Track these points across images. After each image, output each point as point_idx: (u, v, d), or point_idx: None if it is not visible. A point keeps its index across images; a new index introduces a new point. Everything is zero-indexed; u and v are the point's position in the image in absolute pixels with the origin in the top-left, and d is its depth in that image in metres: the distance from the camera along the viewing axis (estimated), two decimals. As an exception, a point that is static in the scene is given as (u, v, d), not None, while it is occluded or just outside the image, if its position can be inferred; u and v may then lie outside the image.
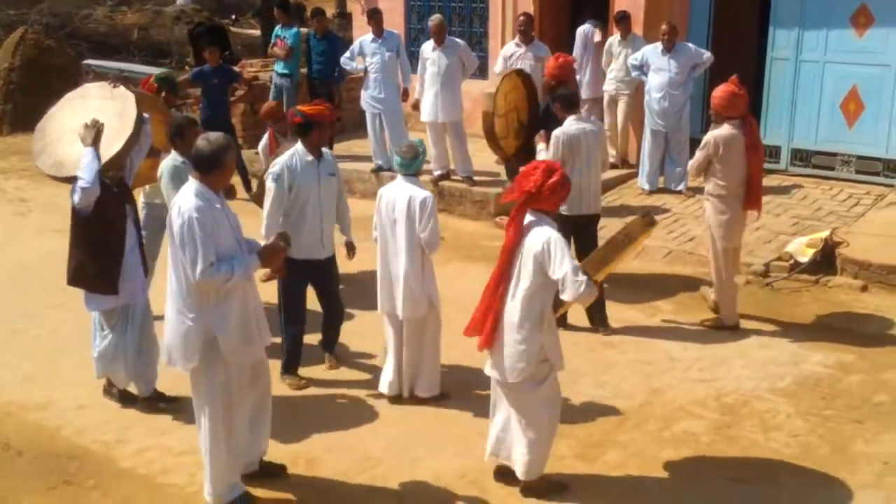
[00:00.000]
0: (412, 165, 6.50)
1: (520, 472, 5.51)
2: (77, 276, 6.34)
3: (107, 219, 6.21)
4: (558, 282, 5.09)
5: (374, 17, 11.64)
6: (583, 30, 12.14)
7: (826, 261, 8.87)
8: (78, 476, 5.90)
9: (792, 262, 8.88)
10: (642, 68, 10.99)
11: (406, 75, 11.76)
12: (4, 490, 5.76)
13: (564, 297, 5.12)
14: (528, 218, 5.26)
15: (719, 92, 7.72)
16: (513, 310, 5.27)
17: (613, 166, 11.83)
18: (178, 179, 6.79)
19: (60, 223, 7.73)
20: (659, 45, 10.80)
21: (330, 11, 23.79)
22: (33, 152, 6.33)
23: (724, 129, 7.63)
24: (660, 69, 10.80)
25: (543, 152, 7.66)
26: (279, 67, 12.61)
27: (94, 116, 6.11)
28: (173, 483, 5.82)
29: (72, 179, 6.04)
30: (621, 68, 11.49)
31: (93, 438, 6.34)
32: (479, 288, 5.48)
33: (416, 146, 6.57)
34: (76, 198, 6.02)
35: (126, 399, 6.77)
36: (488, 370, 5.51)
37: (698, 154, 7.77)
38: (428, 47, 11.07)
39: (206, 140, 5.19)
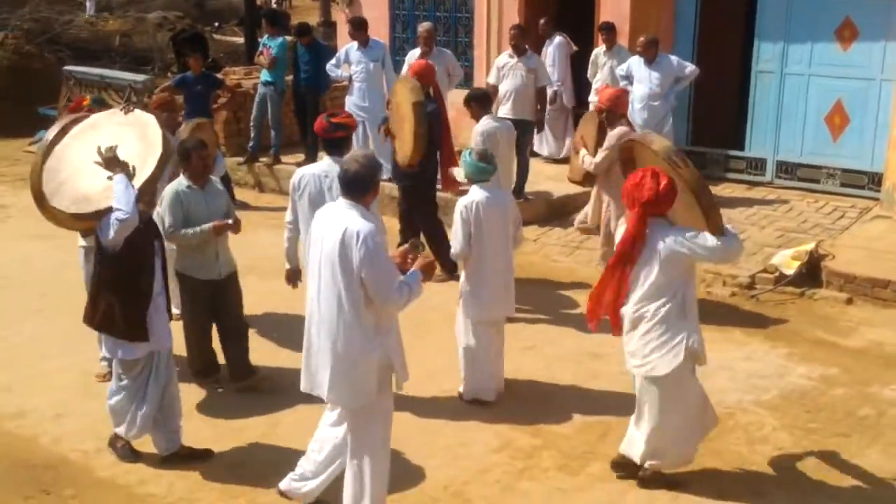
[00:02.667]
0: (486, 171, 6.66)
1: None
2: (105, 322, 5.73)
3: (136, 257, 5.68)
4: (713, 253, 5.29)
5: (359, 26, 11.60)
6: (559, 42, 12.14)
7: (811, 274, 8.87)
8: (56, 486, 5.81)
9: (777, 274, 8.88)
10: (629, 78, 10.99)
11: (391, 84, 11.69)
12: (-21, 500, 5.67)
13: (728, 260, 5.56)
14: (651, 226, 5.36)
15: (610, 92, 8.08)
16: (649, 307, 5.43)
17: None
18: (177, 206, 6.59)
19: (39, 229, 7.62)
20: (639, 58, 10.82)
21: (315, 20, 23.79)
22: (46, 194, 5.64)
23: (622, 129, 7.80)
24: (641, 80, 10.81)
25: (587, 157, 7.98)
26: (264, 76, 12.54)
27: (112, 145, 5.61)
28: (152, 493, 5.74)
29: (99, 214, 5.51)
30: (606, 79, 11.47)
31: (71, 448, 6.24)
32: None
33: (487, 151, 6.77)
34: (111, 232, 5.45)
35: (133, 456, 6.10)
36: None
37: (606, 152, 7.82)
38: (413, 56, 11.05)
39: (357, 161, 4.94)
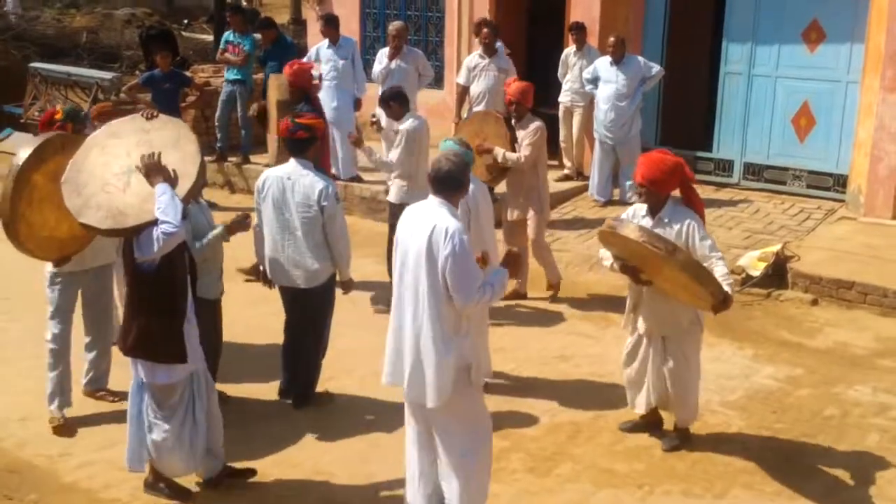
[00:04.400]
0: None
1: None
2: (141, 345, 5.30)
3: (172, 273, 5.29)
4: None
5: (331, 23, 11.55)
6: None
7: (777, 275, 8.95)
8: (19, 490, 5.74)
9: (744, 275, 8.94)
10: (595, 81, 11.03)
11: (360, 84, 11.69)
12: (-59, 505, 5.59)
13: None
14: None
15: (519, 85, 8.31)
16: None
17: (568, 178, 11.87)
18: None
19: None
20: (608, 57, 10.86)
21: (285, 18, 23.67)
22: (72, 210, 5.18)
23: (539, 124, 8.19)
24: (608, 81, 10.87)
25: (507, 154, 8.15)
26: (231, 74, 12.42)
27: (138, 153, 5.24)
28: (116, 498, 5.69)
29: (136, 230, 5.09)
30: (576, 80, 11.51)
31: (35, 452, 6.17)
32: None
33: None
34: (156, 247, 5.03)
35: (182, 495, 5.67)
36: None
37: (529, 149, 8.13)
38: (383, 54, 11.03)
39: (449, 159, 4.92)
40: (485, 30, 11.11)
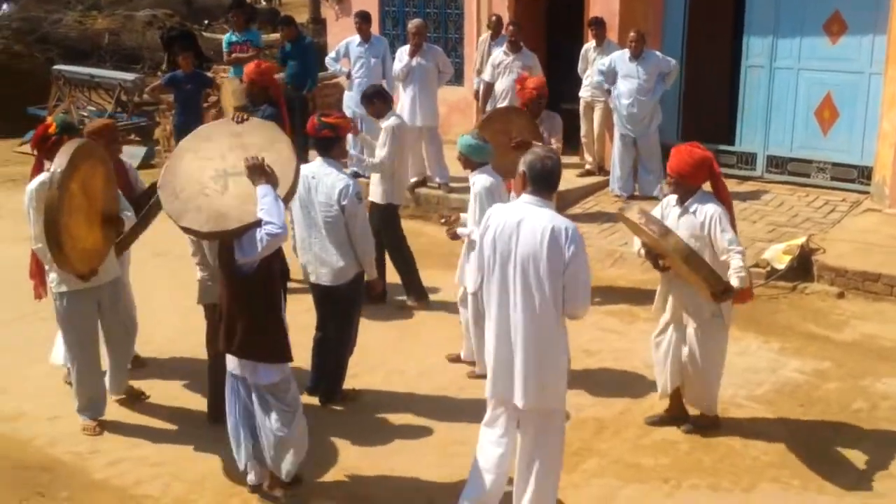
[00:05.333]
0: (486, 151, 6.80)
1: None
2: (248, 347, 5.31)
3: (271, 274, 5.33)
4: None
5: (359, 19, 11.56)
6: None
7: (802, 268, 8.89)
8: (50, 488, 5.79)
9: (768, 269, 8.90)
10: (608, 74, 10.99)
11: (390, 81, 11.70)
12: (-26, 503, 5.66)
13: None
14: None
15: (538, 80, 8.47)
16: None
17: (590, 173, 11.86)
18: None
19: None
20: (626, 52, 10.83)
21: (304, 17, 23.71)
22: (172, 214, 5.16)
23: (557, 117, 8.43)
24: (628, 75, 10.83)
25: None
26: (240, 73, 12.35)
27: (233, 156, 5.26)
28: (147, 494, 5.73)
29: (237, 232, 5.06)
30: (596, 75, 11.48)
31: (65, 450, 6.23)
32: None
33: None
34: (260, 248, 5.01)
35: (298, 498, 5.65)
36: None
37: (559, 143, 8.31)
38: (403, 52, 11.06)
39: (550, 157, 4.83)
40: (510, 27, 11.12)
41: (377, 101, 8.17)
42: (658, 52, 10.98)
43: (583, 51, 11.73)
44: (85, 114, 14.45)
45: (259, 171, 5.10)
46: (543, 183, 4.82)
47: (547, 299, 4.73)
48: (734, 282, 5.74)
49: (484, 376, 6.95)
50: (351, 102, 11.52)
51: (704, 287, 5.70)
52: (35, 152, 6.29)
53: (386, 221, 8.36)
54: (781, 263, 8.87)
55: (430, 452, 6.14)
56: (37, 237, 5.98)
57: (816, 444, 6.18)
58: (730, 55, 12.29)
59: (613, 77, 10.97)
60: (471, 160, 6.88)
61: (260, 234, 4.97)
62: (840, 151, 11.03)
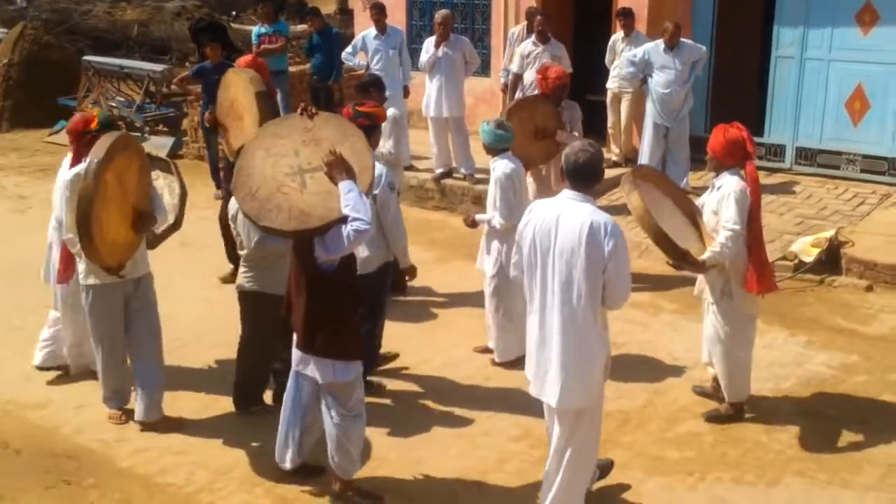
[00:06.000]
0: (507, 139, 6.85)
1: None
2: (330, 345, 5.21)
3: (350, 272, 5.28)
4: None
5: (377, 12, 11.60)
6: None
7: (831, 261, 8.81)
8: (77, 475, 5.85)
9: (796, 261, 8.83)
10: (640, 65, 10.84)
11: (407, 72, 11.76)
12: (3, 489, 5.70)
13: None
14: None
15: (560, 69, 8.42)
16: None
17: (617, 164, 11.79)
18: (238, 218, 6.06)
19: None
20: (661, 43, 10.70)
21: (331, 8, 23.74)
22: (250, 214, 5.03)
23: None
24: (665, 67, 10.69)
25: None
26: (268, 64, 12.37)
27: (307, 151, 5.14)
28: (172, 482, 5.77)
29: (321, 230, 4.95)
30: (624, 66, 11.41)
31: (91, 437, 6.28)
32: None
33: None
34: (346, 245, 4.92)
35: (377, 499, 5.58)
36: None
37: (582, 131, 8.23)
38: (430, 43, 11.06)
39: (586, 150, 4.78)
40: (539, 17, 11.07)
41: (374, 90, 7.91)
42: (689, 41, 10.87)
43: (611, 42, 11.66)
44: (113, 104, 14.55)
45: (339, 167, 4.97)
46: (580, 177, 4.79)
47: (585, 295, 4.71)
48: (706, 254, 5.88)
49: (503, 364, 7.03)
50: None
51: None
52: (72, 144, 6.23)
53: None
54: (809, 256, 8.80)
55: (454, 444, 6.14)
56: (68, 227, 6.00)
57: (842, 438, 6.13)
58: (759, 46, 12.18)
59: (644, 68, 10.84)
60: (490, 148, 6.94)
61: (346, 230, 4.85)
62: (870, 143, 10.91)
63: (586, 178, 4.80)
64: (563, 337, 4.80)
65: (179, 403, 6.57)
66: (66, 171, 6.16)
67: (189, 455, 6.04)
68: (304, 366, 5.33)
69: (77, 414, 6.59)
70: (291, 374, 5.48)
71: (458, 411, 6.57)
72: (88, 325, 6.39)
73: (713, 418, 6.36)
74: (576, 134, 8.11)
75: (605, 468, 5.58)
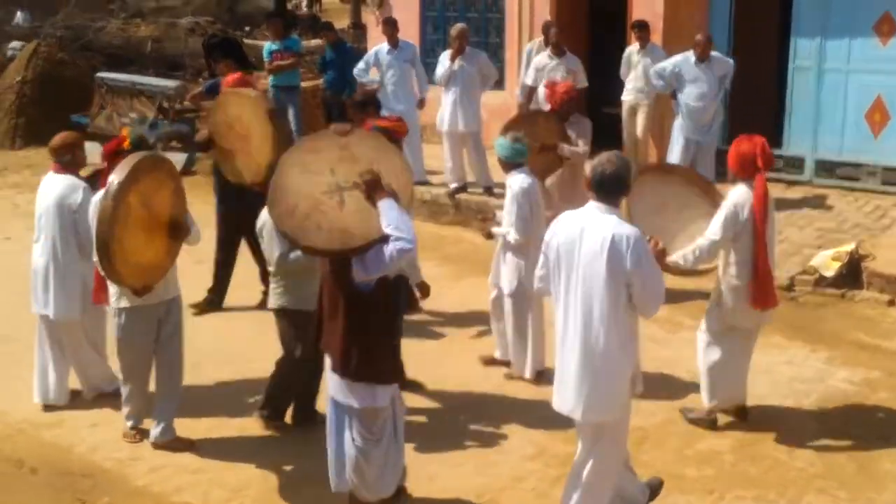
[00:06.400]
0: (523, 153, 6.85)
1: None
2: (366, 368, 5.03)
3: (387, 292, 5.10)
4: None
5: (390, 26, 11.60)
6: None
7: (852, 275, 8.72)
8: (91, 494, 5.81)
9: (817, 275, 8.74)
10: (670, 79, 10.61)
11: (422, 86, 11.75)
12: (17, 508, 5.69)
13: None
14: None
15: (567, 84, 8.60)
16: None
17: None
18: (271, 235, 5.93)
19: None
20: (691, 56, 10.45)
21: (344, 22, 23.81)
22: (289, 234, 4.92)
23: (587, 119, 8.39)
24: (696, 80, 10.45)
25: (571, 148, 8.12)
26: (280, 80, 12.38)
27: (343, 168, 4.98)
28: (187, 501, 5.74)
29: (360, 249, 4.83)
30: (640, 78, 11.35)
31: (106, 456, 6.25)
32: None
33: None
34: (389, 264, 4.81)
35: None
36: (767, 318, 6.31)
37: (587, 146, 8.20)
38: (446, 56, 11.04)
39: (612, 162, 4.76)
40: (553, 30, 11.03)
41: (370, 108, 7.79)
42: (718, 54, 10.72)
43: (626, 54, 11.60)
44: (126, 120, 14.56)
45: (378, 186, 4.84)
46: (605, 189, 4.77)
47: (607, 308, 4.69)
48: (671, 257, 5.95)
49: (523, 379, 7.00)
50: (385, 110, 11.49)
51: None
52: (106, 164, 6.18)
53: None
54: (830, 270, 8.71)
55: (469, 461, 6.09)
56: (96, 249, 5.91)
57: (865, 455, 6.03)
58: (777, 57, 12.11)
59: (674, 81, 10.59)
60: (506, 163, 6.92)
61: (389, 249, 4.72)
62: (891, 155, 10.81)
63: (612, 189, 4.78)
64: (583, 349, 4.77)
65: (194, 422, 6.52)
66: (74, 192, 6.20)
67: (205, 473, 6.00)
68: (338, 391, 5.15)
69: (91, 433, 6.56)
70: (329, 401, 5.31)
71: (473, 428, 6.51)
72: (117, 348, 6.25)
73: (686, 413, 6.49)
74: (581, 149, 8.06)
75: (656, 488, 5.48)
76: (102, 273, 5.94)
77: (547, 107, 10.52)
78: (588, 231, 4.72)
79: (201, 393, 6.99)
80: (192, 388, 6.94)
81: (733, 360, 6.30)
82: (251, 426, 6.59)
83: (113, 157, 6.12)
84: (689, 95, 10.55)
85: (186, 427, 6.39)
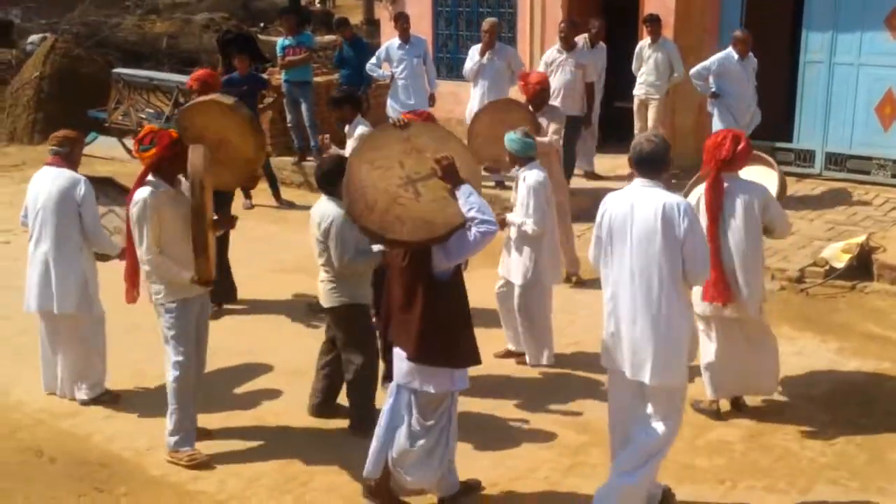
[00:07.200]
0: (533, 147, 6.90)
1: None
2: (446, 353, 5.13)
3: (461, 278, 5.27)
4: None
5: (401, 21, 11.65)
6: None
7: (862, 266, 8.73)
8: (109, 483, 5.89)
9: (827, 267, 8.76)
10: (714, 76, 10.41)
11: (432, 81, 11.80)
12: (36, 496, 5.76)
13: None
14: (727, 181, 6.08)
15: (540, 75, 8.74)
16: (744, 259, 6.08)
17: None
18: (348, 229, 5.82)
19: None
20: (733, 54, 10.34)
21: (358, 18, 23.86)
22: (372, 230, 4.94)
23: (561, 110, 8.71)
24: (738, 79, 10.36)
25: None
26: (292, 76, 12.41)
27: (411, 161, 5.05)
28: (203, 490, 5.80)
29: (443, 237, 4.92)
30: (651, 72, 11.36)
31: (123, 446, 6.33)
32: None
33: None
34: (472, 250, 4.94)
35: None
36: (729, 312, 6.17)
37: (557, 135, 8.32)
38: (475, 50, 11.07)
39: (650, 140, 5.05)
40: (561, 24, 11.05)
41: (347, 105, 7.95)
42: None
43: (637, 48, 11.61)
44: (143, 115, 14.67)
45: (455, 172, 4.94)
46: (646, 165, 5.02)
47: (665, 276, 4.90)
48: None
49: (536, 365, 7.14)
50: (396, 104, 11.56)
51: None
52: (154, 161, 5.92)
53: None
54: (840, 262, 8.73)
55: (483, 452, 6.12)
56: (148, 248, 5.82)
57: (876, 446, 6.06)
58: (788, 51, 12.11)
59: (715, 80, 10.42)
60: (517, 157, 6.97)
61: (473, 234, 4.84)
62: (902, 148, 10.82)
63: (652, 166, 5.02)
64: (648, 316, 4.95)
65: (211, 410, 6.58)
66: (137, 191, 5.87)
67: (220, 463, 6.06)
68: (411, 379, 5.21)
69: (108, 422, 6.65)
70: (393, 388, 5.35)
71: (486, 419, 6.56)
72: (172, 344, 6.02)
73: (696, 405, 6.51)
74: (547, 139, 8.12)
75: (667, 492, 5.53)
76: (171, 274, 5.87)
77: (558, 101, 10.61)
78: (638, 205, 4.95)
79: (215, 385, 7.05)
80: (206, 380, 7.04)
81: (722, 351, 6.33)
82: (265, 417, 6.69)
83: (164, 155, 5.91)
84: (730, 94, 10.37)
85: (201, 418, 6.43)
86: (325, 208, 6.07)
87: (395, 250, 5.21)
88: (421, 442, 5.27)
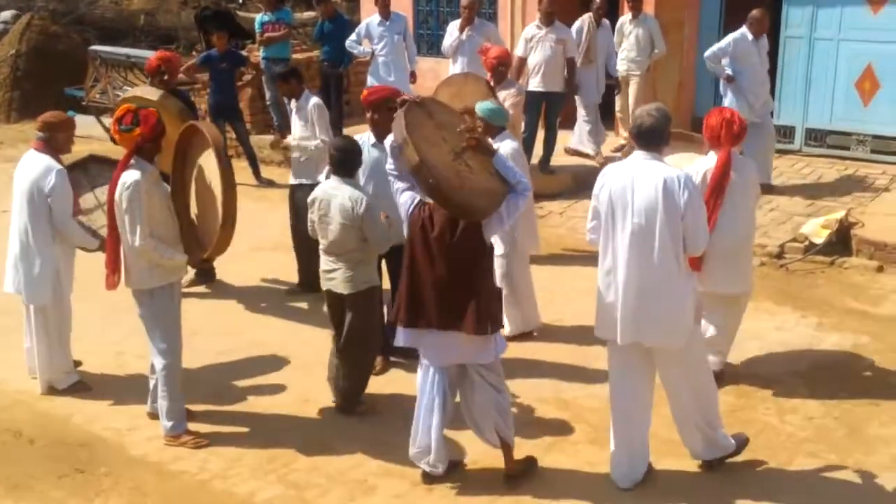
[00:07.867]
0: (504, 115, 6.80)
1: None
2: (493, 319, 5.22)
3: (491, 246, 5.35)
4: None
5: None
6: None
7: (841, 242, 8.79)
8: (90, 464, 5.87)
9: (807, 243, 8.80)
10: (723, 57, 10.07)
11: (412, 57, 11.74)
12: (16, 477, 5.74)
13: None
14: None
15: (499, 49, 8.43)
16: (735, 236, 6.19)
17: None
18: (376, 209, 5.97)
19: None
20: (748, 34, 10.01)
21: (338, -5, 23.65)
22: (461, 204, 4.99)
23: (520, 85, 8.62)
24: (752, 61, 10.02)
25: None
26: (271, 52, 12.32)
27: (446, 135, 5.15)
28: (184, 470, 5.80)
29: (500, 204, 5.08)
30: (632, 48, 11.31)
31: (104, 426, 6.31)
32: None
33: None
34: (519, 208, 5.15)
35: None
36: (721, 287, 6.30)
37: (512, 109, 7.99)
38: (454, 26, 10.95)
39: (650, 114, 5.12)
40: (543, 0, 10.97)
41: (294, 80, 8.05)
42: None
43: (618, 24, 11.55)
44: (120, 93, 14.53)
45: (486, 141, 5.21)
46: (646, 139, 5.13)
47: (667, 246, 5.02)
48: None
49: (515, 337, 7.11)
50: (376, 81, 11.48)
51: None
52: (123, 142, 5.82)
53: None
54: (820, 238, 8.78)
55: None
56: (143, 232, 5.70)
57: (854, 419, 6.11)
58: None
59: (722, 59, 10.08)
60: (491, 125, 6.68)
61: (518, 197, 5.10)
62: (881, 124, 10.88)
63: (652, 139, 5.12)
64: (651, 286, 5.08)
65: (191, 390, 6.53)
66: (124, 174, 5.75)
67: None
68: (462, 357, 5.33)
69: (88, 403, 6.61)
70: (435, 375, 5.38)
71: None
72: (159, 332, 5.97)
73: None
74: (508, 106, 7.94)
75: (741, 444, 5.69)
76: (173, 256, 5.86)
77: (537, 77, 10.57)
78: (640, 178, 5.05)
79: (197, 364, 7.03)
80: (187, 359, 7.01)
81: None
82: (247, 398, 6.67)
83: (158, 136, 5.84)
84: (746, 76, 10.01)
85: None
86: (350, 192, 5.93)
87: (441, 229, 5.13)
88: (500, 397, 5.44)
